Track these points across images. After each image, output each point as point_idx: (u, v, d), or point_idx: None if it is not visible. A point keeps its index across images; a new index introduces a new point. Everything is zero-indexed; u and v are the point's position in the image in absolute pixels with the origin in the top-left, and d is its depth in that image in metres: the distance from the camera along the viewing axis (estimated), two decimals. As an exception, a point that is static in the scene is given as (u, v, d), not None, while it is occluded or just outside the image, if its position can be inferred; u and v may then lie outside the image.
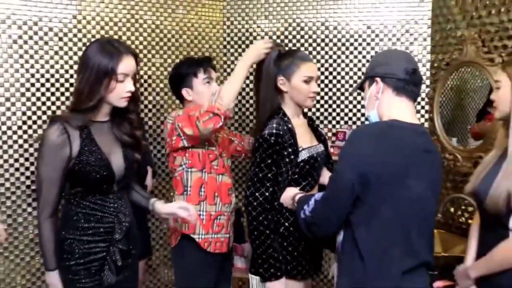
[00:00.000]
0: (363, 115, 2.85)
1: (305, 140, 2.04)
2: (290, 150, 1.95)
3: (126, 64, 1.75)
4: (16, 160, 2.34)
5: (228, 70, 3.02)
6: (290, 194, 1.91)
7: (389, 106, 1.58)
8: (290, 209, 1.94)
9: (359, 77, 2.83)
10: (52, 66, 2.41)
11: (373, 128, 1.61)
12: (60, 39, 2.44)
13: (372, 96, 1.61)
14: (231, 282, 2.50)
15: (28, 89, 2.36)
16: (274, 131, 1.93)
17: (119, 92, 1.76)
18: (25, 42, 2.34)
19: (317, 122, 2.91)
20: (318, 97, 2.89)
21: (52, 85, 2.42)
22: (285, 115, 2.02)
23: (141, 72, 2.68)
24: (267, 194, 1.92)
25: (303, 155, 1.99)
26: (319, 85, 2.69)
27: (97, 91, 1.72)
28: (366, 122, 2.15)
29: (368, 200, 1.49)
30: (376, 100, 1.60)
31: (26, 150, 2.36)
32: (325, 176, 2.10)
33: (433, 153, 1.61)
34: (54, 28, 2.42)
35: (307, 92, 2.02)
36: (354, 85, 2.85)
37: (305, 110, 2.28)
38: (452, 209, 2.59)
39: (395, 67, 1.56)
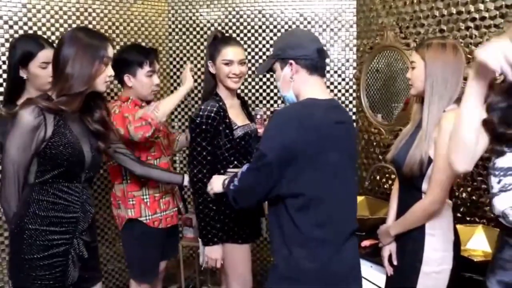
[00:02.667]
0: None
1: (240, 119, 2.21)
2: (223, 127, 2.11)
3: (110, 49, 1.80)
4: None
5: (174, 55, 3.20)
6: (219, 181, 1.96)
7: (304, 85, 1.65)
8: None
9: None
10: (3, 54, 2.48)
11: (291, 109, 1.66)
12: (11, 27, 2.51)
13: (287, 78, 1.67)
14: (178, 248, 2.75)
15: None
16: (200, 113, 2.09)
17: (104, 77, 1.79)
18: (-24, 31, 2.43)
19: (257, 102, 3.16)
20: (257, 79, 3.14)
21: (4, 71, 2.48)
22: (218, 96, 2.19)
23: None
24: (204, 171, 2.10)
25: (239, 132, 2.16)
26: (250, 69, 2.89)
27: (88, 75, 1.73)
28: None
29: (293, 177, 1.55)
30: (291, 81, 1.66)
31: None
32: None
33: (346, 123, 1.72)
34: (3, 17, 2.49)
35: (227, 73, 2.15)
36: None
37: (238, 91, 2.40)
38: (377, 177, 2.91)
39: (308, 48, 1.63)
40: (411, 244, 1.84)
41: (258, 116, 2.88)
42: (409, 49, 2.62)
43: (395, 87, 2.98)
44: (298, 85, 1.67)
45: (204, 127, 2.08)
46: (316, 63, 1.64)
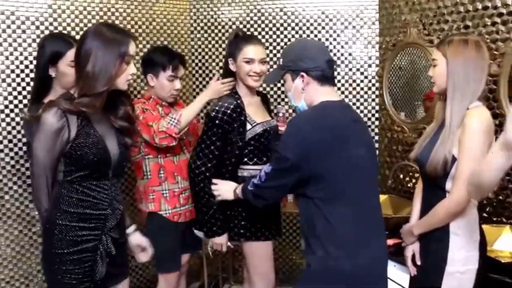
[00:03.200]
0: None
1: (259, 116, 2.23)
2: (238, 125, 2.13)
3: (133, 47, 1.77)
4: (0, 142, 2.49)
5: (196, 53, 3.22)
6: (229, 189, 2.05)
7: (316, 95, 1.72)
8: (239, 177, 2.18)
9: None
10: (30, 54, 2.53)
11: (306, 113, 1.75)
12: (37, 27, 2.56)
13: (299, 89, 1.74)
14: (201, 243, 2.75)
15: (8, 76, 2.49)
16: (217, 108, 2.12)
17: (126, 75, 1.76)
18: (4, 31, 2.47)
19: (279, 100, 3.17)
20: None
21: (32, 71, 2.53)
22: (237, 93, 2.22)
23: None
24: (209, 165, 2.14)
25: (258, 129, 2.18)
26: (272, 67, 2.90)
27: (110, 74, 1.70)
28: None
29: (317, 174, 1.61)
30: (303, 92, 1.73)
31: (9, 133, 2.50)
32: None
33: (360, 121, 1.83)
34: (30, 17, 2.54)
35: (247, 71, 2.16)
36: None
37: (260, 89, 2.46)
38: (401, 176, 2.88)
39: (318, 60, 1.70)
40: (435, 243, 1.82)
41: (280, 114, 2.88)
42: (432, 46, 2.57)
43: (419, 85, 2.95)
44: (309, 95, 1.73)
45: (217, 122, 2.10)
46: (327, 73, 1.72)
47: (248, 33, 3.08)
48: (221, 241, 2.21)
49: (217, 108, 2.12)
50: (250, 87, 2.23)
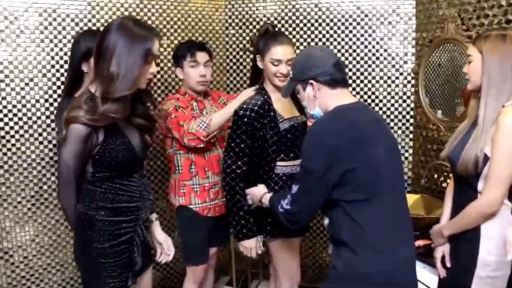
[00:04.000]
0: (354, 89, 3.06)
1: (286, 112, 2.22)
2: (268, 120, 2.13)
3: (157, 45, 1.71)
4: (40, 134, 2.60)
5: (230, 49, 3.24)
6: (258, 193, 2.09)
7: (329, 99, 1.72)
8: (277, 174, 2.18)
9: (350, 55, 3.04)
10: (69, 50, 2.59)
11: (322, 121, 1.73)
12: (77, 24, 2.65)
13: (311, 97, 1.75)
14: (229, 238, 2.82)
15: (49, 71, 2.60)
16: (244, 106, 2.12)
17: (147, 75, 1.72)
18: (45, 28, 2.57)
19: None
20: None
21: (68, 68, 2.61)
22: (264, 89, 2.21)
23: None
24: (240, 163, 2.14)
25: (285, 125, 2.17)
26: None
27: (135, 76, 1.64)
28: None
29: (346, 179, 1.60)
30: (315, 99, 1.74)
31: (48, 125, 2.61)
32: None
33: (382, 121, 1.81)
34: (70, 15, 2.63)
35: (274, 72, 2.15)
36: (346, 62, 3.05)
37: None
38: (435, 175, 2.80)
39: (324, 65, 1.71)
40: (466, 245, 1.77)
41: None
42: (470, 41, 2.48)
43: (458, 82, 2.85)
44: (323, 101, 1.74)
45: (246, 120, 2.10)
46: (336, 76, 1.71)
47: (282, 29, 3.09)
48: (250, 245, 2.18)
49: (244, 106, 2.13)
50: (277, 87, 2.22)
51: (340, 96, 1.73)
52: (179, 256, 2.79)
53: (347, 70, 3.04)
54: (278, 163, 2.19)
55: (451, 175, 2.59)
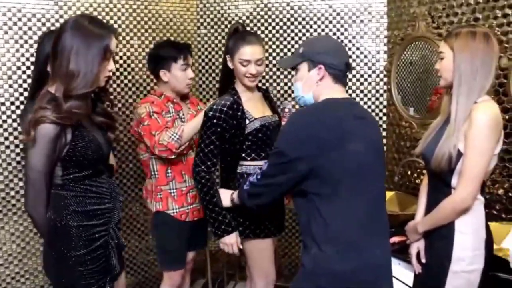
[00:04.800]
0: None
1: (257, 111, 2.19)
2: (237, 120, 2.10)
3: (114, 42, 1.71)
4: (6, 138, 2.51)
5: (202, 49, 3.21)
6: (227, 193, 2.08)
7: (326, 91, 1.70)
8: (248, 174, 2.12)
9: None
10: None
11: (308, 108, 1.72)
12: (43, 24, 2.57)
13: (312, 80, 1.71)
14: (206, 240, 2.76)
15: (14, 72, 2.51)
16: (214, 106, 2.09)
17: (105, 72, 1.71)
18: (10, 28, 2.48)
19: (285, 95, 3.13)
20: (285, 73, 3.11)
21: (28, 68, 2.54)
22: (234, 89, 2.19)
23: (120, 54, 2.85)
24: (209, 164, 2.11)
25: (255, 124, 2.14)
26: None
27: (94, 72, 1.64)
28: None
29: (316, 170, 1.56)
30: (316, 84, 1.70)
31: (15, 129, 2.52)
32: None
33: (365, 118, 1.73)
34: (37, 14, 2.55)
35: (244, 73, 2.13)
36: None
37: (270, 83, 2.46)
38: (408, 172, 2.83)
39: (339, 59, 1.70)
40: (440, 241, 1.78)
41: (286, 110, 2.85)
42: (441, 39, 2.50)
43: (430, 80, 2.89)
44: (321, 89, 1.71)
45: (215, 121, 2.08)
46: (343, 75, 1.72)
47: (255, 28, 3.07)
48: (230, 241, 2.14)
49: (214, 106, 2.10)
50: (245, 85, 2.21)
51: (336, 92, 1.71)
52: (154, 260, 2.75)
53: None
54: (250, 162, 2.17)
55: (424, 171, 2.65)
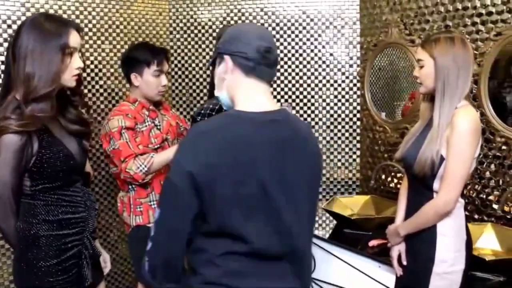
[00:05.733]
0: (301, 93, 3.09)
1: None
2: None
3: (75, 37, 1.62)
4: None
5: (175, 54, 3.16)
6: None
7: (238, 88, 1.37)
8: None
9: (297, 59, 3.06)
10: (1, 54, 2.44)
11: (207, 123, 1.40)
12: (9, 26, 2.46)
13: (221, 75, 1.41)
14: None
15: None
16: (202, 111, 2.07)
17: (70, 70, 1.62)
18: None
19: (278, 97, 3.11)
20: (278, 74, 3.08)
21: (3, 72, 2.46)
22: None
23: (92, 58, 2.77)
24: None
25: None
26: None
27: (53, 71, 1.56)
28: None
29: (208, 209, 1.26)
30: (224, 80, 1.40)
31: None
32: None
33: (290, 141, 1.35)
34: (2, 16, 2.45)
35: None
36: (293, 66, 3.08)
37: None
38: (383, 176, 2.88)
39: (246, 44, 1.34)
40: (422, 244, 1.81)
41: None
42: (414, 45, 2.59)
43: (398, 85, 2.97)
44: (232, 86, 1.39)
45: None
46: (256, 63, 1.34)
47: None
48: None
49: (202, 111, 2.08)
50: None
51: (251, 90, 1.36)
52: (128, 269, 2.67)
53: (293, 74, 3.06)
54: None
55: (399, 175, 2.70)
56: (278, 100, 3.11)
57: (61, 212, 1.70)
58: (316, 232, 3.03)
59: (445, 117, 1.71)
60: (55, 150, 1.63)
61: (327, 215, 2.81)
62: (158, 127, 2.35)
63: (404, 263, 1.90)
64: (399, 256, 1.92)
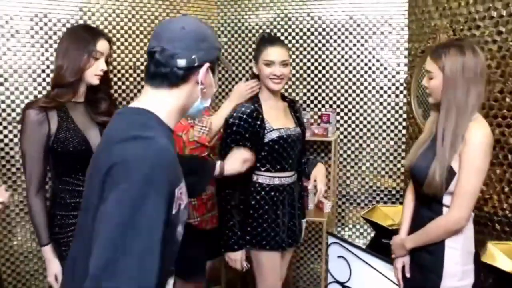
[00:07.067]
0: (346, 99, 3.06)
1: (278, 122, 2.16)
2: (256, 129, 2.08)
3: (102, 44, 1.92)
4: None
5: (222, 58, 3.23)
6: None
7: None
8: (260, 184, 2.15)
9: (342, 64, 3.03)
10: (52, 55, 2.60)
11: None
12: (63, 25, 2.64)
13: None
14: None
15: (39, 75, 2.59)
16: (234, 114, 2.09)
17: (94, 70, 1.90)
18: (36, 33, 2.57)
19: (304, 105, 3.12)
20: (304, 83, 3.11)
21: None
22: (257, 97, 2.18)
23: (142, 60, 2.90)
24: None
25: (273, 135, 2.12)
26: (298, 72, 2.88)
27: (77, 66, 1.86)
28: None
29: None
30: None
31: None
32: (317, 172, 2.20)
33: (112, 143, 1.16)
34: (62, 20, 2.63)
35: (268, 74, 2.11)
36: (339, 72, 3.06)
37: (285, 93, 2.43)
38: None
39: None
40: (430, 258, 1.76)
41: (304, 120, 2.84)
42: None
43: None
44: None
45: (235, 128, 2.08)
46: (147, 67, 1.27)
47: (274, 35, 3.08)
48: (235, 257, 2.14)
49: (234, 114, 2.11)
50: (272, 91, 2.17)
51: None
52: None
53: (339, 79, 3.04)
54: (263, 173, 2.15)
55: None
56: (323, 106, 3.10)
57: (74, 196, 1.88)
58: (356, 241, 2.99)
59: (451, 131, 1.64)
60: (71, 134, 1.86)
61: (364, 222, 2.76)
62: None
63: (408, 275, 1.87)
64: (403, 268, 1.89)
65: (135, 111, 1.23)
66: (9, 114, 2.54)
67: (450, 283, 1.69)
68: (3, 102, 2.53)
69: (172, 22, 1.28)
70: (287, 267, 2.45)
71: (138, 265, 1.02)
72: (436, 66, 1.69)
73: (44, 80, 2.60)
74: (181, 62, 1.21)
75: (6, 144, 2.55)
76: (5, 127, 2.54)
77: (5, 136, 2.55)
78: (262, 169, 2.15)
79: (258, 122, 2.11)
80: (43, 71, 2.59)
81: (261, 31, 3.12)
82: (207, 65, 1.26)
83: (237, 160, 1.94)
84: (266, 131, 2.12)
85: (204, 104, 1.32)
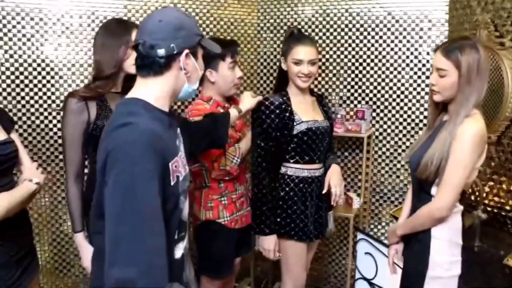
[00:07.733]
0: (382, 96, 3.03)
1: (307, 115, 2.21)
2: (284, 121, 2.13)
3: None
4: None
5: (261, 53, 3.28)
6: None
7: None
8: (290, 176, 2.21)
9: (380, 60, 3.00)
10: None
11: None
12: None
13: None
14: (251, 246, 2.70)
15: (86, 69, 2.77)
16: (263, 106, 2.16)
17: (132, 59, 1.84)
18: (85, 30, 2.75)
19: (340, 101, 3.12)
20: (341, 79, 3.10)
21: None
22: (285, 91, 2.23)
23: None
24: (260, 160, 2.16)
25: (302, 127, 2.17)
26: (335, 68, 2.85)
27: (116, 58, 1.94)
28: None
29: None
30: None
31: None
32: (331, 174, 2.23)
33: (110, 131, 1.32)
34: (108, 17, 2.77)
35: (296, 73, 2.16)
36: (376, 68, 3.03)
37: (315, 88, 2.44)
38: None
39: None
40: (417, 245, 1.81)
41: (339, 116, 2.86)
42: (503, 48, 2.41)
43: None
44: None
45: (263, 117, 2.15)
46: (135, 59, 1.43)
47: (313, 34, 3.10)
48: (268, 246, 2.18)
49: (262, 107, 2.17)
50: (300, 88, 2.22)
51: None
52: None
53: (375, 76, 3.01)
54: (292, 165, 2.21)
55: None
56: (359, 102, 3.08)
57: None
58: (382, 238, 2.96)
59: (458, 125, 1.67)
60: (106, 122, 1.90)
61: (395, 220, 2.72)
62: (233, 126, 2.34)
63: (397, 262, 1.94)
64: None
65: (126, 101, 1.40)
66: (58, 105, 2.73)
67: (435, 272, 1.73)
68: (53, 93, 2.73)
69: (151, 16, 1.42)
70: (311, 260, 2.49)
71: (141, 245, 1.15)
72: (451, 64, 1.68)
73: (90, 74, 2.76)
74: (161, 52, 1.36)
75: (55, 133, 2.75)
76: (54, 117, 2.74)
77: (54, 125, 2.74)
78: (291, 161, 2.20)
79: (287, 114, 2.16)
80: (90, 65, 2.76)
81: (299, 27, 3.13)
82: (186, 51, 1.40)
83: (246, 98, 2.18)
84: (295, 123, 2.17)
85: (192, 87, 1.49)
